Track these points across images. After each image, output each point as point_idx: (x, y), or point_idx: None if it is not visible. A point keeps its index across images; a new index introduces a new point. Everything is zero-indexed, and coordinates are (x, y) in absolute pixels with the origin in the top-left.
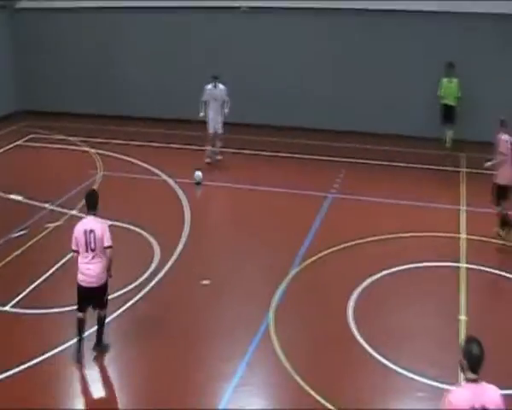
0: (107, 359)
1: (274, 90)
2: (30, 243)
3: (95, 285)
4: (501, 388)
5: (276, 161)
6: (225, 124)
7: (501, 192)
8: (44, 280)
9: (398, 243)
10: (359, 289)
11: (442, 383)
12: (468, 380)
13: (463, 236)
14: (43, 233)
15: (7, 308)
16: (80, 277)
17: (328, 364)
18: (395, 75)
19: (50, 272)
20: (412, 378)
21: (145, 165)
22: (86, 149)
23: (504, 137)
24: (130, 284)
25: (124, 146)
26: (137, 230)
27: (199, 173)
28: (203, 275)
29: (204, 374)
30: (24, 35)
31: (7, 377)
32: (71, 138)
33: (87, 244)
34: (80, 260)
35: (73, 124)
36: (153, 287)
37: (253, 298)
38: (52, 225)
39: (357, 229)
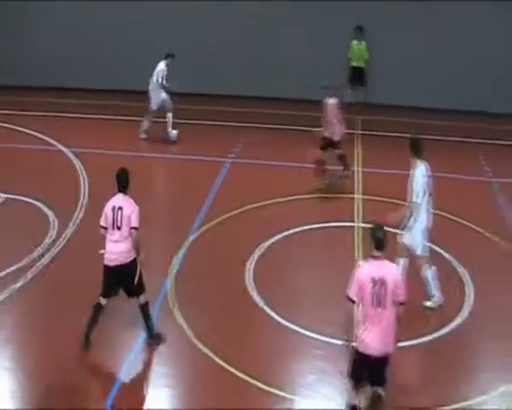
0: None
1: None
2: None
3: (119, 263)
4: None
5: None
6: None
7: (328, 144)
8: None
9: (298, 205)
10: (258, 251)
11: (338, 339)
12: (372, 257)
13: (359, 196)
14: None
15: None
16: (106, 256)
17: (228, 327)
18: (299, 40)
19: None
20: (310, 337)
21: (41, 136)
22: None
23: (332, 101)
24: (26, 257)
25: (19, 117)
26: (33, 202)
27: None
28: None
29: (105, 344)
30: None
31: None
32: None
33: (114, 221)
34: (108, 237)
35: None
36: (53, 258)
37: (152, 265)
38: None
39: (255, 193)
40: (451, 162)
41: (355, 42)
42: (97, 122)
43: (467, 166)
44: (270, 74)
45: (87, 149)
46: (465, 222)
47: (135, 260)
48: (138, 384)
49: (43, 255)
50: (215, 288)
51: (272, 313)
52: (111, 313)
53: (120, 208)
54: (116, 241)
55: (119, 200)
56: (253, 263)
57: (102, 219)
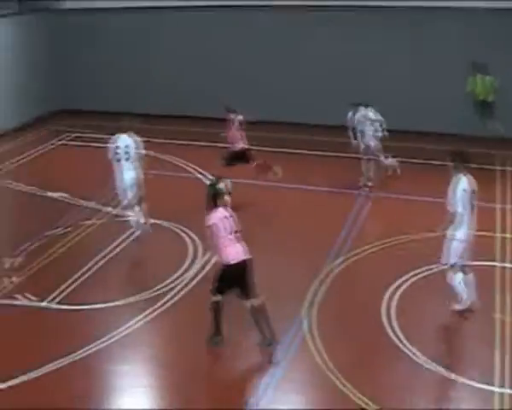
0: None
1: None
2: (71, 241)
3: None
4: None
5: (298, 158)
6: None
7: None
8: (88, 276)
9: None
10: (395, 287)
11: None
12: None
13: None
14: (85, 231)
15: (43, 304)
16: (231, 257)
17: (365, 362)
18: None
19: (94, 269)
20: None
21: (186, 163)
22: None
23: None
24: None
25: (165, 145)
26: (172, 227)
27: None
28: None
29: (242, 371)
30: (63, 35)
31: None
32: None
33: (230, 227)
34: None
35: (110, 123)
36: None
37: (287, 296)
38: (93, 223)
39: (394, 226)
40: None
41: (479, 76)
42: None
43: None
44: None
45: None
46: None
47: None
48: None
49: (184, 279)
50: (351, 320)
51: (409, 349)
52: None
53: (231, 216)
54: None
55: (227, 211)
56: (391, 298)
57: (219, 226)
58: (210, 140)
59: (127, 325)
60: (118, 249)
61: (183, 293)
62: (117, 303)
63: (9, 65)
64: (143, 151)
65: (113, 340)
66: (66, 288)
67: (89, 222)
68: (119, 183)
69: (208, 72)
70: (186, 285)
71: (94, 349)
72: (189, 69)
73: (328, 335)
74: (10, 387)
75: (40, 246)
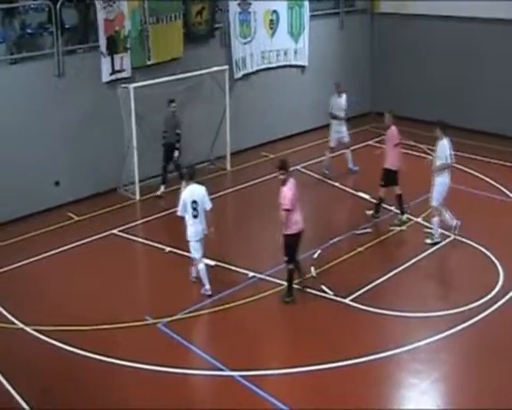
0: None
1: None
2: (373, 243)
3: None
4: None
5: None
6: None
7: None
8: (386, 280)
9: None
10: None
11: None
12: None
13: None
14: (387, 235)
15: (347, 301)
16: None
17: None
18: None
19: (391, 274)
20: None
21: (492, 182)
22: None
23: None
24: (474, 302)
25: (469, 160)
26: (481, 248)
27: None
28: None
29: None
30: (382, 38)
31: (333, 368)
32: (421, 146)
33: None
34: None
35: (421, 131)
36: (495, 310)
37: None
38: (395, 229)
39: None
40: None
41: None
42: None
43: None
44: None
45: None
46: None
47: None
48: None
49: (488, 305)
50: None
51: None
52: None
53: None
54: None
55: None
56: None
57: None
58: None
59: (420, 338)
60: (416, 259)
61: (484, 314)
62: (411, 314)
63: (328, 63)
64: None
65: (403, 349)
66: (362, 287)
67: (393, 228)
68: None
69: None
70: (488, 307)
71: (381, 355)
72: (503, 84)
73: None
74: (301, 372)
75: (340, 242)
